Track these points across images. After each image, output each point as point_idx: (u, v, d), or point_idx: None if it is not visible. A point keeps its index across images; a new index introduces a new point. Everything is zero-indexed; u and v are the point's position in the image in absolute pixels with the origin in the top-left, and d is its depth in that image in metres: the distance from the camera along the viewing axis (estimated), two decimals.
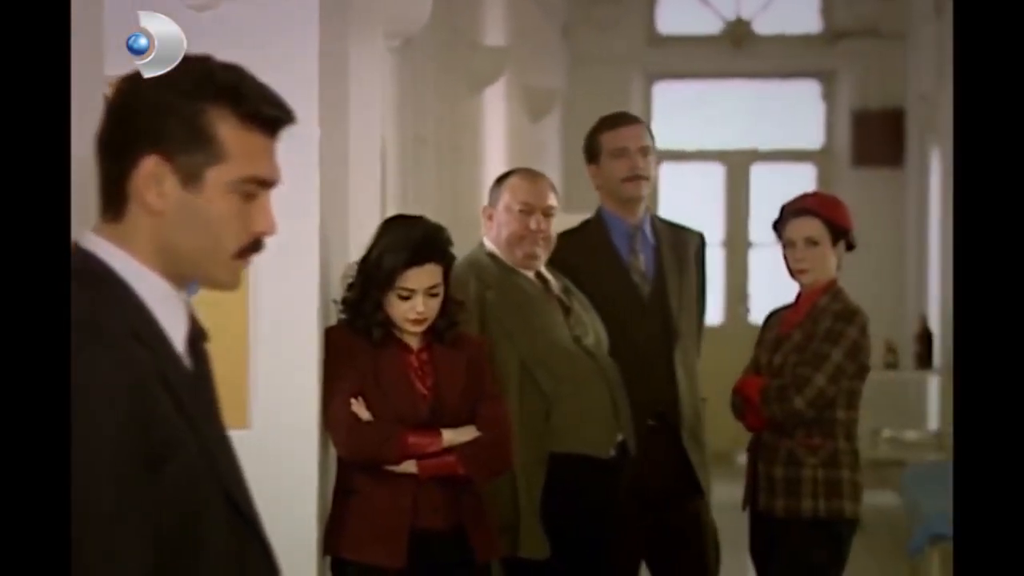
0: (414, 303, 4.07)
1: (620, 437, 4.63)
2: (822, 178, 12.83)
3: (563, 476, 4.53)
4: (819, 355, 4.69)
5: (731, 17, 12.99)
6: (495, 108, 8.47)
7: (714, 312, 12.78)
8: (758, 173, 13.00)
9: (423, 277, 4.07)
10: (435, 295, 4.10)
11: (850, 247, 4.84)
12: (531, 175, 4.78)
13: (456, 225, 6.51)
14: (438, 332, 4.14)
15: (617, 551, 4.66)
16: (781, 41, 12.95)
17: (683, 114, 13.17)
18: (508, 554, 4.44)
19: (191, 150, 2.04)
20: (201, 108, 2.04)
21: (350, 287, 4.13)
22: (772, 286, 4.74)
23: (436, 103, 6.76)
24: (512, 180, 4.72)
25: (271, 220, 2.10)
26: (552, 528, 4.49)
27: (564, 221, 5.03)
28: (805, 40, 12.95)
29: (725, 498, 5.77)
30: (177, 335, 2.07)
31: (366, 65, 4.58)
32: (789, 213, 4.82)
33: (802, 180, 12.56)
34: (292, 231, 3.94)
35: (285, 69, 3.89)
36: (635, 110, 12.57)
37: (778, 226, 4.86)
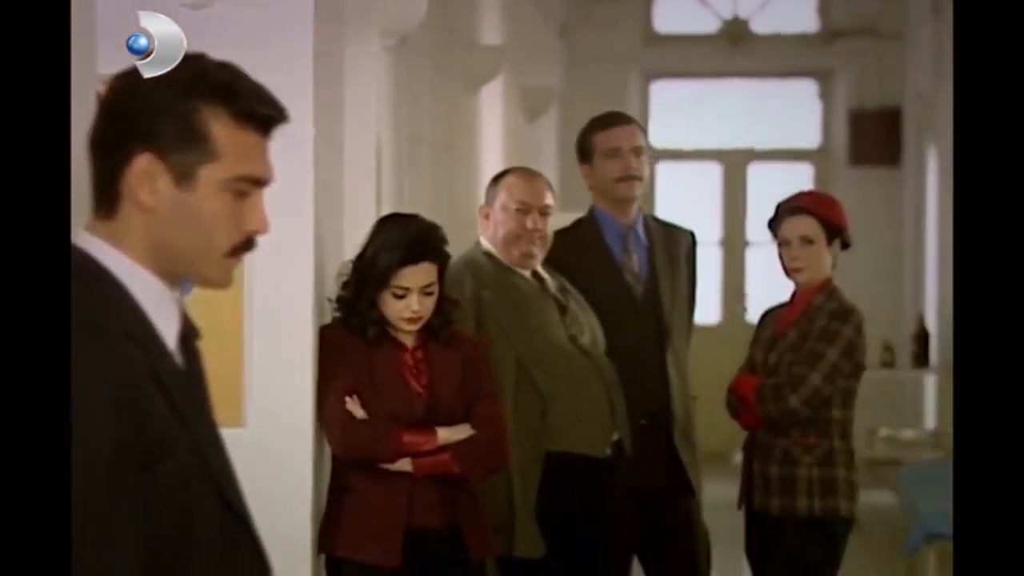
0: (409, 302, 4.07)
1: (616, 436, 4.63)
2: (819, 177, 12.83)
3: (559, 475, 4.53)
4: (814, 354, 4.69)
5: (728, 16, 12.99)
6: (492, 107, 8.47)
7: (711, 311, 12.79)
8: (755, 172, 13.00)
9: (418, 276, 4.07)
10: (430, 294, 4.10)
11: (845, 245, 4.84)
12: (528, 174, 4.78)
13: (452, 224, 6.51)
14: (433, 331, 4.14)
15: (611, 550, 4.67)
16: (778, 40, 12.95)
17: (680, 113, 13.17)
18: (503, 553, 4.44)
19: (184, 148, 2.04)
20: (195, 106, 2.04)
21: (345, 285, 4.13)
22: (769, 285, 4.75)
23: (432, 102, 6.76)
24: (509, 179, 4.72)
25: (264, 219, 2.10)
26: (547, 527, 4.49)
27: (561, 220, 5.03)
28: (802, 39, 12.95)
29: (721, 497, 5.77)
30: (169, 333, 2.07)
31: (361, 64, 4.58)
32: (784, 212, 4.82)
33: (799, 179, 12.57)
34: (287, 230, 3.95)
35: (280, 68, 3.89)
36: (632, 109, 12.58)
37: (773, 225, 4.86)
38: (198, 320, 2.19)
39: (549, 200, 4.69)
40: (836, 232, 4.79)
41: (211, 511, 2.06)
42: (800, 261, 4.79)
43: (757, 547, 4.84)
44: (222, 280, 2.11)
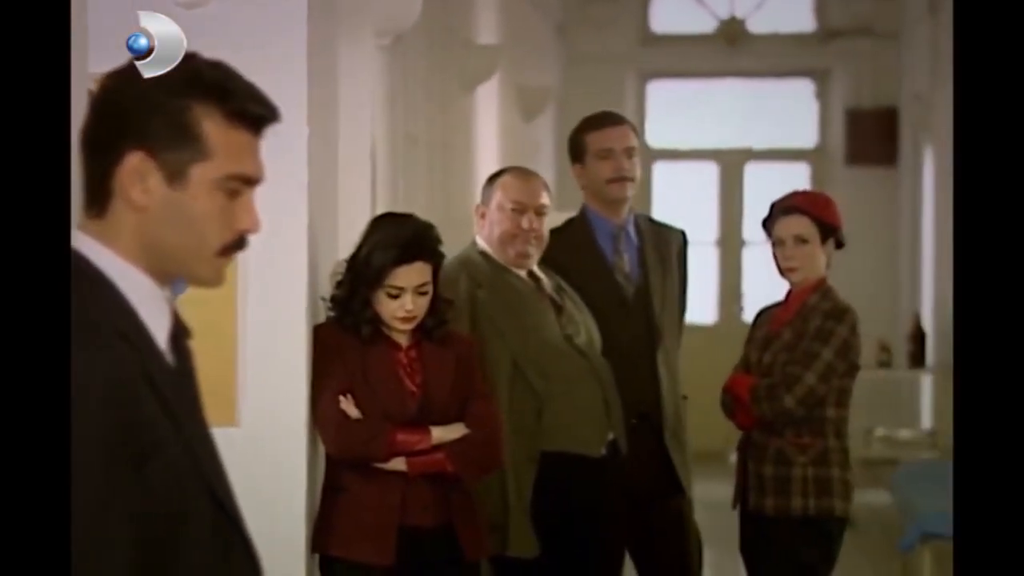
0: (403, 301, 4.07)
1: (611, 436, 4.63)
2: (816, 177, 12.83)
3: (554, 475, 4.53)
4: (809, 354, 4.69)
5: (725, 16, 12.99)
6: (488, 107, 8.47)
7: (708, 311, 12.79)
8: (752, 172, 13.00)
9: (412, 275, 4.07)
10: (424, 293, 4.10)
11: (839, 245, 4.84)
12: (524, 174, 4.78)
13: (448, 224, 6.51)
14: (427, 330, 4.15)
15: (604, 550, 4.67)
16: (775, 40, 12.95)
17: (677, 113, 13.17)
18: (497, 553, 4.44)
19: (176, 147, 2.04)
20: (186, 105, 2.04)
21: (339, 284, 4.13)
22: (766, 285, 4.76)
23: (428, 102, 6.76)
24: (504, 179, 4.72)
25: (255, 218, 2.10)
26: (542, 527, 4.49)
27: (557, 220, 5.04)
28: (799, 39, 12.95)
29: (716, 497, 5.77)
30: (160, 332, 2.06)
31: (356, 63, 4.58)
32: (778, 211, 4.82)
33: (796, 179, 12.56)
34: (281, 229, 3.95)
35: (274, 67, 3.89)
36: (629, 109, 12.59)
37: (767, 224, 4.86)
38: (192, 320, 2.19)
39: (545, 200, 4.68)
40: (830, 231, 4.79)
41: (202, 510, 2.05)
42: (794, 261, 4.78)
43: (752, 547, 4.84)
44: (214, 279, 2.11)
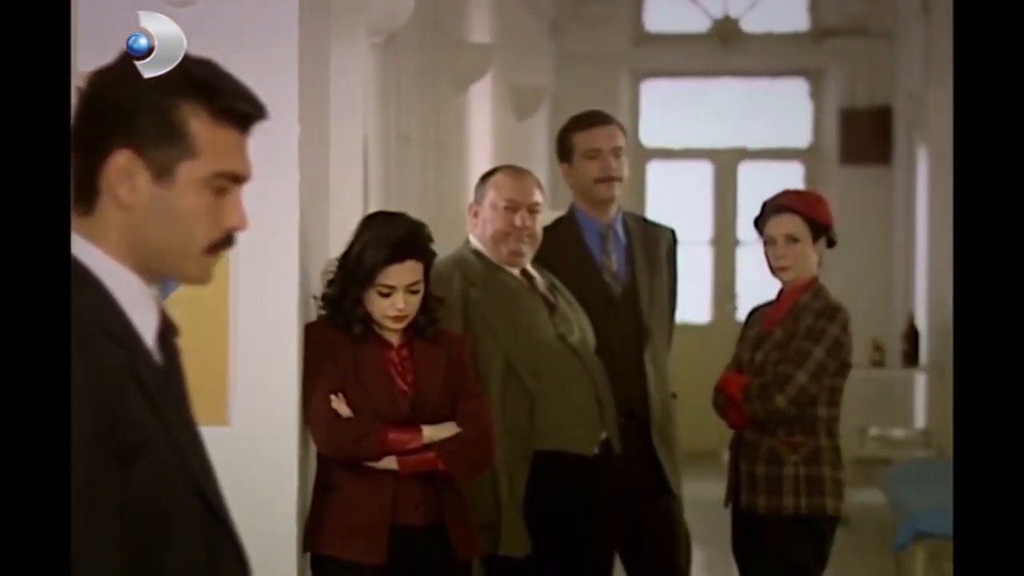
0: (394, 300, 4.07)
1: (604, 435, 4.63)
2: (810, 176, 12.84)
3: (547, 474, 4.52)
4: (801, 353, 4.69)
5: (719, 15, 12.99)
6: (481, 106, 8.47)
7: (702, 310, 12.79)
8: (746, 171, 13.00)
9: (403, 274, 4.07)
10: (415, 292, 4.10)
11: (831, 243, 4.84)
12: (516, 172, 4.78)
13: (441, 223, 6.51)
14: (418, 328, 4.14)
15: (597, 549, 4.66)
16: (769, 39, 12.95)
17: (671, 112, 13.16)
18: (489, 552, 4.44)
19: (163, 145, 2.04)
20: (174, 103, 2.04)
21: (330, 283, 4.13)
22: (760, 284, 4.76)
23: (420, 100, 6.75)
24: (497, 177, 4.72)
25: (243, 215, 2.10)
26: (534, 526, 4.49)
27: (551, 219, 5.04)
28: (793, 38, 12.95)
29: (710, 496, 5.78)
30: (148, 331, 2.06)
31: (348, 62, 4.57)
32: (769, 210, 4.83)
33: (790, 178, 12.56)
34: (272, 228, 3.95)
35: (265, 65, 3.89)
36: (623, 108, 12.59)
37: (759, 223, 4.86)
38: (183, 318, 2.18)
39: (538, 198, 4.68)
40: (821, 230, 4.79)
41: (190, 508, 2.05)
42: (785, 260, 4.79)
43: (744, 546, 4.84)
44: (201, 277, 2.11)
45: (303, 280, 4.09)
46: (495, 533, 4.45)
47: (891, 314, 12.06)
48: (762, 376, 4.73)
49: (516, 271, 4.68)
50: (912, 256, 11.72)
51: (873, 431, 10.29)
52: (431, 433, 4.07)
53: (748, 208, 12.53)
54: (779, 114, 13.08)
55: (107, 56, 2.09)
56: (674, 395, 5.05)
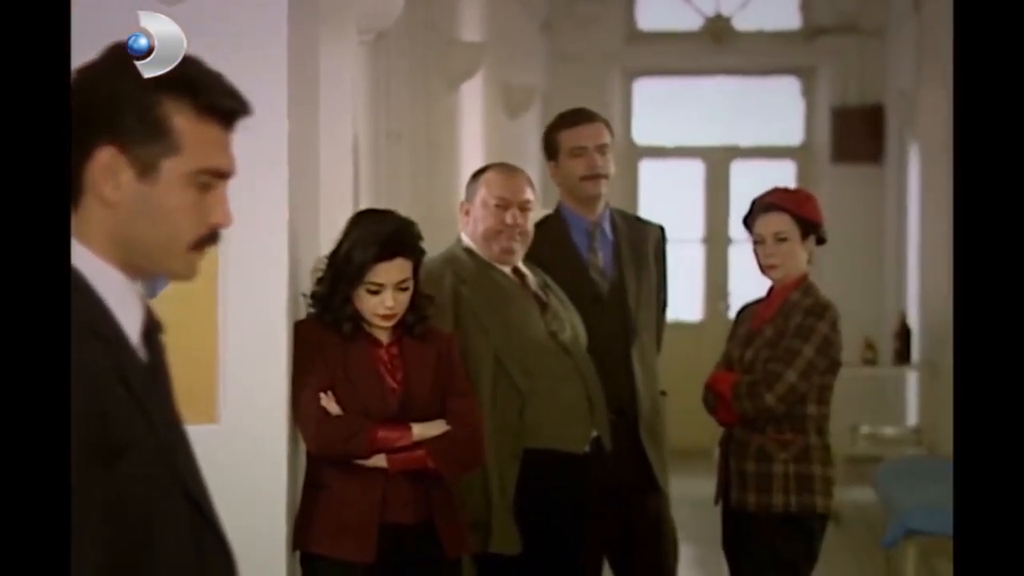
0: (383, 298, 4.06)
1: (595, 433, 4.62)
2: (802, 175, 12.84)
3: (537, 472, 4.52)
4: (790, 351, 4.69)
5: (711, 13, 12.99)
6: (472, 104, 8.46)
7: (694, 308, 12.80)
8: (738, 170, 13.00)
9: (392, 272, 4.06)
10: (404, 289, 4.09)
11: (820, 241, 4.84)
12: (507, 170, 4.78)
13: (432, 221, 6.50)
14: (408, 326, 4.14)
15: (587, 546, 4.66)
16: (761, 37, 12.95)
17: (663, 111, 13.16)
18: (480, 550, 4.44)
19: (147, 141, 2.03)
20: (157, 99, 2.03)
21: (319, 281, 4.12)
22: (752, 283, 4.77)
23: (411, 99, 6.75)
24: (488, 175, 4.72)
25: (227, 212, 2.09)
26: (525, 524, 4.48)
27: (541, 217, 5.03)
28: (784, 36, 12.95)
29: (702, 493, 5.77)
30: (132, 328, 2.05)
31: (337, 59, 4.57)
32: (758, 209, 4.83)
33: (782, 177, 12.56)
34: (261, 226, 3.94)
35: (254, 63, 3.89)
36: (615, 107, 12.59)
37: (748, 221, 4.86)
38: (172, 316, 2.18)
39: (529, 196, 4.68)
40: (811, 228, 4.79)
41: (175, 506, 2.05)
42: (774, 258, 4.79)
43: (734, 543, 4.84)
44: (186, 273, 2.11)
45: (292, 278, 4.09)
46: (486, 531, 4.45)
47: (883, 312, 12.07)
48: (752, 374, 4.73)
49: (507, 269, 4.68)
50: (904, 254, 11.73)
51: (865, 429, 10.29)
52: (420, 431, 4.06)
53: (740, 206, 12.43)
54: (771, 112, 13.08)
55: (90, 54, 2.08)
56: (663, 392, 5.05)
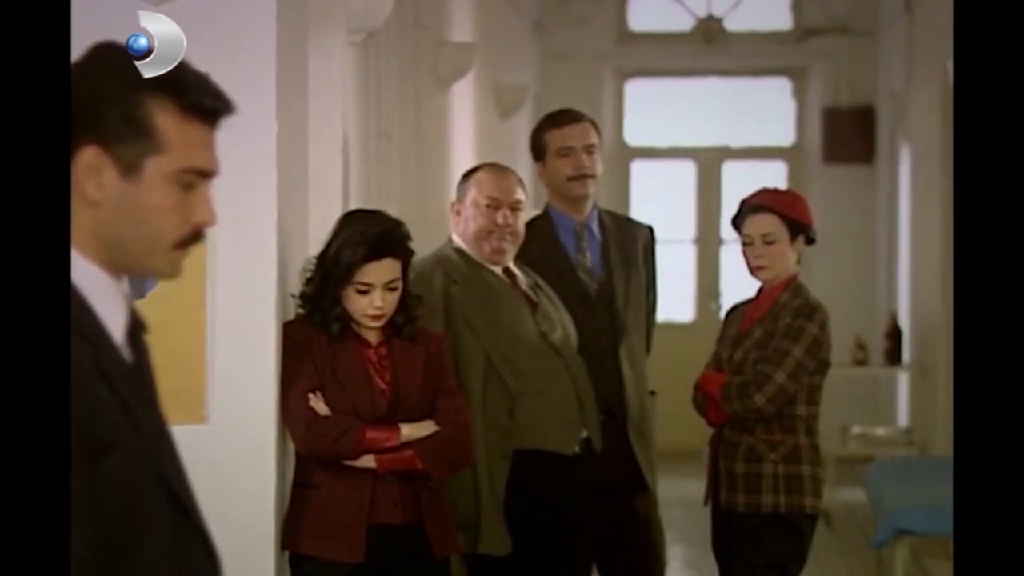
0: (372, 298, 4.06)
1: (585, 434, 4.62)
2: (793, 175, 12.85)
3: (527, 473, 4.52)
4: (779, 352, 4.70)
5: (702, 15, 12.99)
6: (463, 104, 8.46)
7: (685, 309, 12.81)
8: (729, 170, 13.01)
9: (381, 272, 4.06)
10: (393, 290, 4.09)
11: (810, 241, 4.84)
12: (498, 170, 4.78)
13: (423, 222, 6.49)
14: (397, 327, 4.14)
15: (576, 547, 4.66)
16: (752, 38, 12.96)
17: (654, 111, 13.17)
18: (470, 550, 4.44)
19: (130, 141, 2.03)
20: (140, 98, 2.03)
21: (308, 281, 4.12)
22: (743, 283, 4.78)
23: (402, 99, 6.74)
24: (479, 175, 4.72)
25: (211, 211, 2.09)
26: (514, 524, 4.48)
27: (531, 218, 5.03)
28: (776, 37, 12.96)
29: (693, 493, 5.77)
30: (116, 327, 2.05)
31: (326, 59, 4.57)
32: (746, 210, 4.84)
33: (773, 177, 12.57)
34: (250, 226, 3.94)
35: (243, 62, 3.88)
36: (606, 107, 12.60)
37: (736, 222, 4.86)
38: (161, 316, 2.18)
39: (520, 196, 4.68)
40: (799, 229, 4.79)
41: (159, 506, 2.04)
42: (763, 260, 4.79)
43: (724, 544, 4.84)
44: (170, 272, 2.11)
45: (281, 279, 4.08)
46: (475, 532, 4.45)
47: (874, 312, 12.08)
48: (741, 375, 4.73)
49: (498, 269, 4.68)
50: (895, 254, 11.74)
51: (856, 429, 10.29)
52: (409, 432, 4.06)
53: (731, 207, 12.42)
54: (762, 113, 13.09)
55: (74, 53, 2.07)
56: (653, 392, 5.05)
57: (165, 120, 2.03)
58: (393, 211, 4.41)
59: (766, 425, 4.72)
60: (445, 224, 4.86)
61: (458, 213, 4.70)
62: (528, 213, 4.80)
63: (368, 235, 4.05)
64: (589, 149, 4.97)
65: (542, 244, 4.94)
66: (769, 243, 4.77)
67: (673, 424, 7.23)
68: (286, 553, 4.10)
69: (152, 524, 2.03)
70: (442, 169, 7.76)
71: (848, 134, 12.53)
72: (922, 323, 10.34)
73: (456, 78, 7.82)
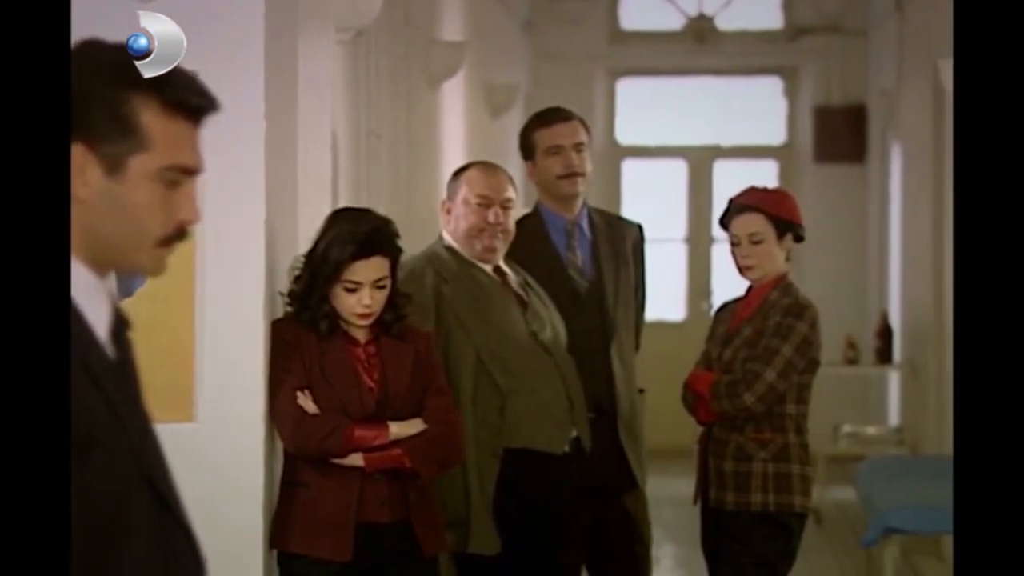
0: (360, 296, 4.06)
1: (574, 433, 4.62)
2: (784, 174, 12.86)
3: (517, 472, 4.52)
4: (769, 350, 4.70)
5: (694, 13, 13.00)
6: (454, 104, 8.45)
7: (676, 308, 12.81)
8: (721, 169, 13.02)
9: (369, 270, 4.06)
10: (382, 288, 4.09)
11: (799, 239, 4.84)
12: (489, 168, 4.78)
13: (414, 220, 6.49)
14: (385, 325, 4.13)
15: (566, 546, 4.66)
16: (743, 37, 12.97)
17: (646, 110, 13.18)
18: (459, 550, 4.43)
19: (114, 138, 2.02)
20: (124, 96, 2.03)
21: (296, 280, 4.12)
22: (734, 282, 4.78)
23: (392, 98, 6.74)
24: (469, 173, 4.72)
25: (195, 208, 2.09)
26: (504, 524, 4.48)
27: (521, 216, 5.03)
28: (767, 36, 12.97)
29: (681, 492, 5.77)
30: (100, 324, 2.05)
31: (315, 58, 4.56)
32: (734, 209, 4.83)
33: (764, 176, 12.59)
34: (238, 225, 3.94)
35: (231, 61, 3.88)
36: (598, 106, 12.60)
37: (724, 222, 4.86)
38: (149, 315, 2.18)
39: (511, 194, 4.68)
40: (787, 227, 4.78)
41: (142, 503, 2.04)
42: (751, 259, 4.79)
43: (713, 542, 4.84)
44: (154, 269, 2.11)
45: (270, 277, 4.08)
46: (465, 530, 4.44)
47: (865, 312, 12.09)
48: (731, 373, 4.73)
49: (489, 268, 4.68)
50: (886, 254, 11.75)
51: (846, 428, 10.30)
52: (397, 430, 4.06)
53: (723, 206, 12.47)
54: (754, 112, 13.10)
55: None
56: (641, 391, 5.05)
57: (150, 118, 2.03)
58: (383, 210, 4.40)
59: (755, 424, 4.72)
60: (435, 223, 4.85)
61: (448, 211, 4.70)
62: (518, 212, 4.80)
63: (356, 233, 4.05)
64: (578, 147, 4.97)
65: (532, 242, 4.94)
66: (756, 243, 4.77)
67: (663, 423, 7.23)
68: (275, 551, 4.10)
69: (136, 521, 2.02)
70: (432, 169, 7.75)
71: (839, 133, 12.54)
72: (913, 322, 10.35)
73: (447, 77, 7.82)
